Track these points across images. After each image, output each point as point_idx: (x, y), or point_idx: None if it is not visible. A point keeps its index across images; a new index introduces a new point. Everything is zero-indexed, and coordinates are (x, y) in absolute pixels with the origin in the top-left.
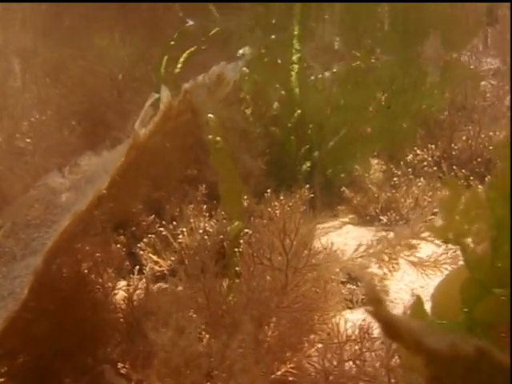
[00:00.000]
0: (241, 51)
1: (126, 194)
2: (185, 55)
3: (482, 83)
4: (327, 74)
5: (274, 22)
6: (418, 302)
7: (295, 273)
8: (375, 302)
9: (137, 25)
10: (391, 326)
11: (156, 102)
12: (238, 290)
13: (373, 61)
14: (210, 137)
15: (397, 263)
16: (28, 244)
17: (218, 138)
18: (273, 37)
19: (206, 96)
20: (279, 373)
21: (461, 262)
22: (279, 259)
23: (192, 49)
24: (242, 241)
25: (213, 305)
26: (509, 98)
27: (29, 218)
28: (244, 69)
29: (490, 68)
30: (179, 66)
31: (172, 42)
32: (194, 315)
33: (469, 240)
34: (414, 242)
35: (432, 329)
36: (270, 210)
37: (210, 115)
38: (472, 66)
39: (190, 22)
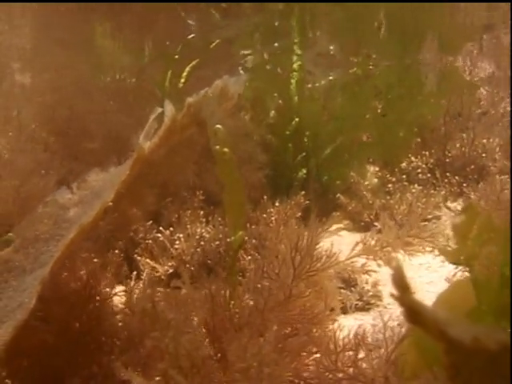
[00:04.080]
0: (243, 62)
1: (131, 206)
2: (187, 69)
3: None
4: (324, 81)
5: (274, 28)
6: None
7: (299, 282)
8: (402, 287)
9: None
10: (416, 313)
11: (160, 115)
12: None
13: (370, 67)
14: (218, 147)
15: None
16: (37, 258)
17: (226, 150)
18: (276, 44)
19: (212, 109)
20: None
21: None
22: (285, 271)
23: (194, 62)
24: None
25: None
26: (503, 104)
27: (38, 233)
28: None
29: (485, 73)
30: (182, 80)
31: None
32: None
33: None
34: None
35: (457, 320)
36: (265, 215)
37: (218, 126)
38: (467, 71)
39: (191, 22)
